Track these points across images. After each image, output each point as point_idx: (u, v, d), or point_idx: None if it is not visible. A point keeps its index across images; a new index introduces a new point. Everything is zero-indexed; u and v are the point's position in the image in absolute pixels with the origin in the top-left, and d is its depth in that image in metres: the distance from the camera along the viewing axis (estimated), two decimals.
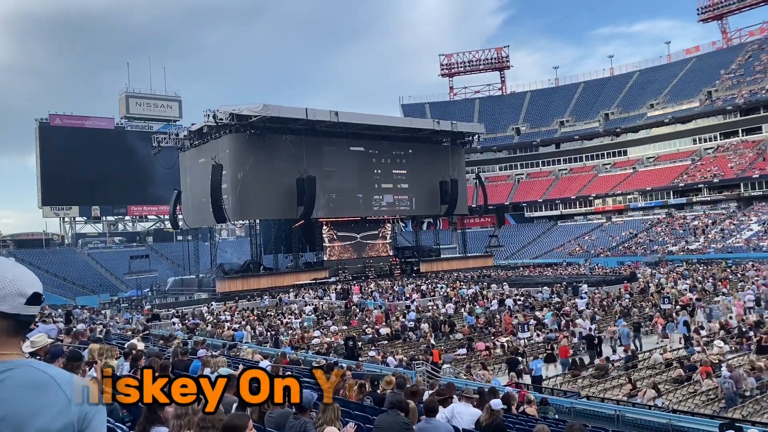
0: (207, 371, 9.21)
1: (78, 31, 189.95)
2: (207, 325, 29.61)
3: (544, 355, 19.81)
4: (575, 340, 20.92)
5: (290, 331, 26.07)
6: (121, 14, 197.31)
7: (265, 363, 13.13)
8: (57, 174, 72.76)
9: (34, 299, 1.58)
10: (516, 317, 25.89)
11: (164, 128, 71.81)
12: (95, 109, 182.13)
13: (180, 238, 71.59)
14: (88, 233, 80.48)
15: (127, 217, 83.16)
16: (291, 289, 46.18)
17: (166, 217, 70.19)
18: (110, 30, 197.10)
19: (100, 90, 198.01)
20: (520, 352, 19.63)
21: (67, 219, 78.31)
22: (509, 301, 30.87)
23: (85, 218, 79.30)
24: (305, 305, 36.35)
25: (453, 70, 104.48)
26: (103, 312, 39.72)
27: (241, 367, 10.88)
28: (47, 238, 76.96)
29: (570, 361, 18.80)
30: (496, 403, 7.35)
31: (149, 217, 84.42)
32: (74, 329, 14.80)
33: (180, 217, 60.42)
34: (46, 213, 75.34)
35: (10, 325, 1.54)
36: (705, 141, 75.74)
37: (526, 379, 16.94)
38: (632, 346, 20.57)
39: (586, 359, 19.47)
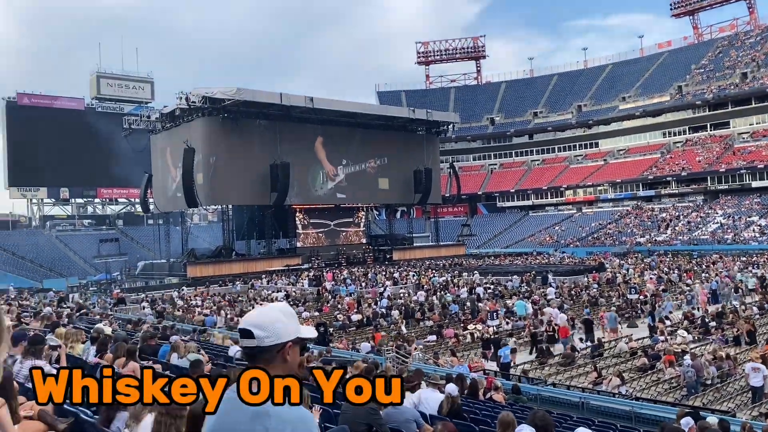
0: (174, 356, 9.16)
1: (51, 10, 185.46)
2: (177, 310, 29.39)
3: (545, 336, 20.43)
4: (542, 327, 21.26)
5: None
6: None
7: (235, 348, 13.10)
8: (25, 154, 71.10)
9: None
10: (487, 304, 26.17)
11: (136, 110, 70.47)
12: (66, 90, 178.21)
13: (151, 222, 70.57)
14: (57, 215, 78.95)
15: (96, 200, 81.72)
16: (263, 275, 45.99)
17: (137, 200, 69.17)
18: (84, 9, 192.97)
19: (72, 70, 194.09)
20: (497, 338, 19.93)
21: (34, 200, 76.73)
22: (479, 290, 31.15)
23: (53, 200, 77.74)
24: (277, 291, 36.26)
25: (429, 59, 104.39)
26: (70, 295, 39.09)
27: (205, 356, 10.84)
28: (14, 220, 75.35)
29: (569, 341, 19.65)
30: (451, 389, 7.48)
31: (119, 200, 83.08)
32: (42, 312, 14.59)
33: (151, 200, 59.56)
34: (13, 194, 73.63)
35: None
36: (674, 135, 77.04)
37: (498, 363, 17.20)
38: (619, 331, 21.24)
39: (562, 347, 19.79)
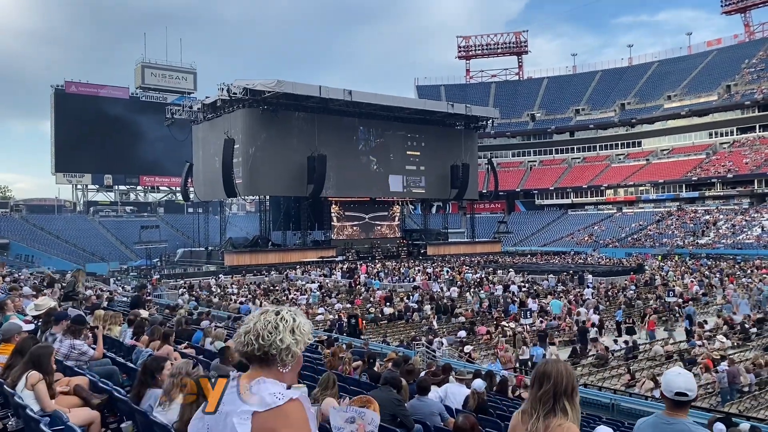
0: (207, 342, 9.37)
1: (101, 1, 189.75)
2: (214, 297, 29.94)
3: (625, 327, 21.13)
4: (575, 328, 21.02)
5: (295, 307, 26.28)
6: None
7: None
8: (71, 141, 73.21)
9: None
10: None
11: (178, 100, 71.87)
12: (111, 79, 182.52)
13: (190, 210, 71.92)
14: (100, 201, 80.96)
15: (139, 187, 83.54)
16: (298, 266, 46.48)
17: (178, 189, 70.51)
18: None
19: (118, 60, 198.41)
20: (586, 330, 20.20)
21: (79, 186, 78.85)
22: (514, 288, 30.91)
23: (97, 186, 79.79)
24: (311, 282, 36.60)
25: (470, 53, 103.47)
26: (110, 279, 40.17)
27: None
28: (59, 205, 77.54)
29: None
30: (477, 384, 7.48)
31: (161, 188, 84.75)
32: (81, 294, 15.03)
33: (191, 189, 60.69)
34: (59, 179, 75.85)
35: None
36: (721, 135, 74.94)
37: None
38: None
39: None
